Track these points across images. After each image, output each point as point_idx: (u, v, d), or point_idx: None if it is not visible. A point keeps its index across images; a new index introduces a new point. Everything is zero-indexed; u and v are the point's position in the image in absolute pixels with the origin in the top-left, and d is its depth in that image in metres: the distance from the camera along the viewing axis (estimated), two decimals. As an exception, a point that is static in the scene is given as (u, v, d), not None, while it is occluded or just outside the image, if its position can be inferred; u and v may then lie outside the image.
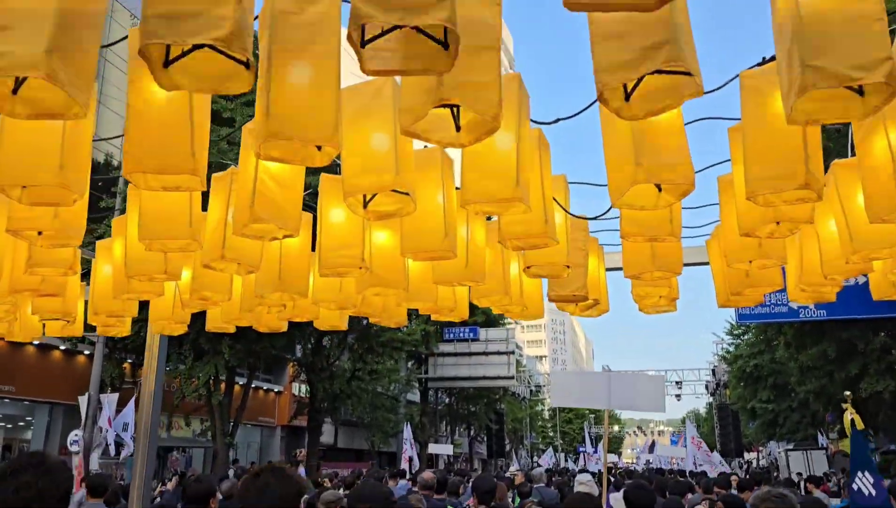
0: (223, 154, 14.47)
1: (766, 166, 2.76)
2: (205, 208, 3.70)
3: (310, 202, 4.13)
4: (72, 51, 1.90)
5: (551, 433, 66.80)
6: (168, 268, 3.85)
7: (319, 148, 2.48)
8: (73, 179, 2.56)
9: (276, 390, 32.78)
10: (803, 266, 4.19)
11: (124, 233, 3.99)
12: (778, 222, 3.30)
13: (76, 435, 16.89)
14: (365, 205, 2.99)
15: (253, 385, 25.59)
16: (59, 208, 2.92)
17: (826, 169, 3.55)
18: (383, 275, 3.95)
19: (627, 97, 2.32)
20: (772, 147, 2.75)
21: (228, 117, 16.93)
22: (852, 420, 6.19)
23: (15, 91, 2.07)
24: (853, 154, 3.63)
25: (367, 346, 25.29)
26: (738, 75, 2.99)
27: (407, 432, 23.90)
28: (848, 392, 7.20)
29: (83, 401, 17.17)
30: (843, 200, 3.56)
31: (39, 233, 3.18)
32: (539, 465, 36.44)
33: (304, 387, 30.26)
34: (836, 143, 10.00)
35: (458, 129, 2.44)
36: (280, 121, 2.23)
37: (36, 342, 19.91)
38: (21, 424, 24.10)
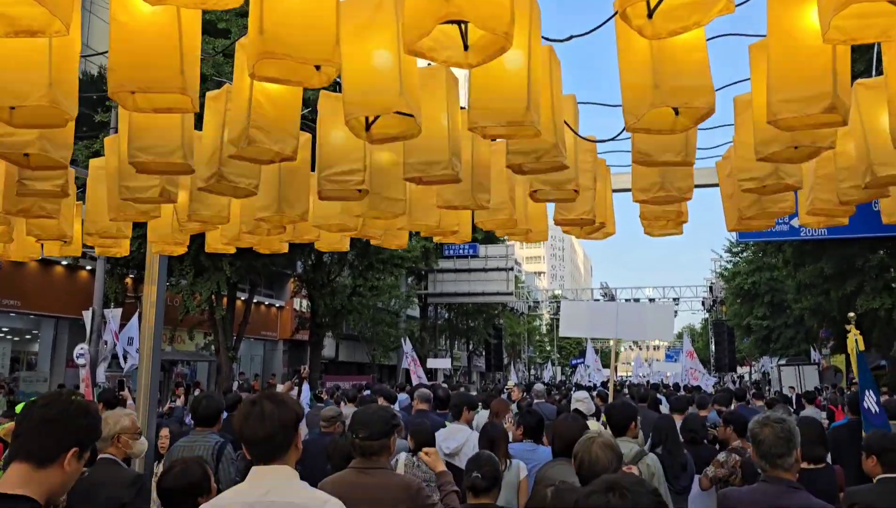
0: (219, 68, 14.03)
1: (792, 88, 2.60)
2: (199, 126, 3.55)
3: (310, 119, 3.96)
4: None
5: (548, 348, 68.10)
6: (163, 190, 3.72)
7: (318, 67, 2.32)
8: (63, 98, 2.42)
9: (277, 305, 33.16)
10: (816, 190, 4.07)
11: (118, 153, 3.83)
12: (796, 147, 3.16)
13: (82, 349, 17.16)
14: (367, 127, 2.84)
15: (255, 301, 25.86)
16: (46, 132, 2.77)
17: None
18: (384, 198, 3.84)
19: (651, 14, 2.14)
20: (799, 67, 2.58)
21: (223, 28, 16.35)
22: (856, 341, 6.24)
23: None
24: (878, 73, 3.46)
25: (368, 263, 25.38)
26: (765, -12, 2.79)
27: (406, 346, 24.25)
28: (852, 314, 7.22)
29: (87, 316, 17.36)
30: (865, 121, 3.41)
31: (26, 155, 3.05)
32: (539, 380, 37.34)
33: (305, 302, 30.58)
34: (859, 61, 9.64)
35: (466, 47, 2.27)
36: (274, 38, 2.07)
37: (37, 258, 20.02)
38: (28, 337, 24.48)
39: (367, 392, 11.88)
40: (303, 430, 3.03)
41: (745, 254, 38.81)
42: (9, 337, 23.87)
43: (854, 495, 4.13)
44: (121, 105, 2.48)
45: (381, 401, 9.37)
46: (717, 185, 4.83)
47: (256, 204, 4.00)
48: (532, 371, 65.60)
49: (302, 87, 2.54)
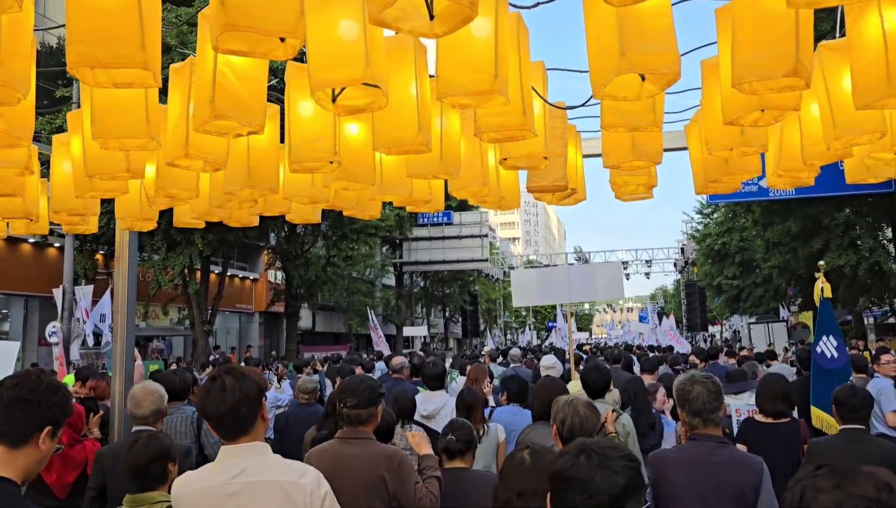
0: (182, 38, 13.68)
1: (755, 52, 2.63)
2: (164, 100, 3.49)
3: (278, 89, 3.91)
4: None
5: (524, 313, 68.68)
6: (130, 166, 3.67)
7: (283, 40, 2.29)
8: (15, 76, 2.36)
9: (251, 277, 32.97)
10: (783, 152, 4.13)
11: (81, 129, 3.76)
12: (763, 110, 3.20)
13: (54, 327, 16.96)
14: (334, 99, 2.81)
15: (228, 274, 25.68)
16: (5, 112, 2.71)
17: (813, 52, 3.41)
18: (354, 169, 3.82)
19: (615, -20, 2.14)
20: (762, 31, 2.60)
21: (185, -4, 15.96)
22: (822, 289, 6.37)
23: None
24: (841, 35, 3.49)
25: (342, 233, 25.30)
26: (729, -48, 2.80)
27: (372, 318, 24.37)
28: (822, 262, 7.38)
29: (58, 293, 17.13)
30: (829, 84, 3.46)
31: (-14, 134, 2.98)
32: (515, 345, 37.68)
33: (279, 274, 30.44)
34: (826, 21, 9.66)
35: (431, 17, 2.26)
36: (237, 10, 2.03)
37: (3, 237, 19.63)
38: (-2, 316, 24.09)
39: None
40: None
41: (715, 215, 39.33)
42: (-22, 316, 23.48)
43: (816, 446, 4.27)
44: (81, 81, 2.43)
45: (358, 371, 9.43)
46: (685, 148, 4.88)
47: (225, 178, 3.96)
48: (508, 336, 66.20)
49: (267, 59, 2.50)
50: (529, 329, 58.65)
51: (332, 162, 3.63)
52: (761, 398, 4.91)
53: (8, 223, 5.45)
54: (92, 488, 4.25)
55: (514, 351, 14.47)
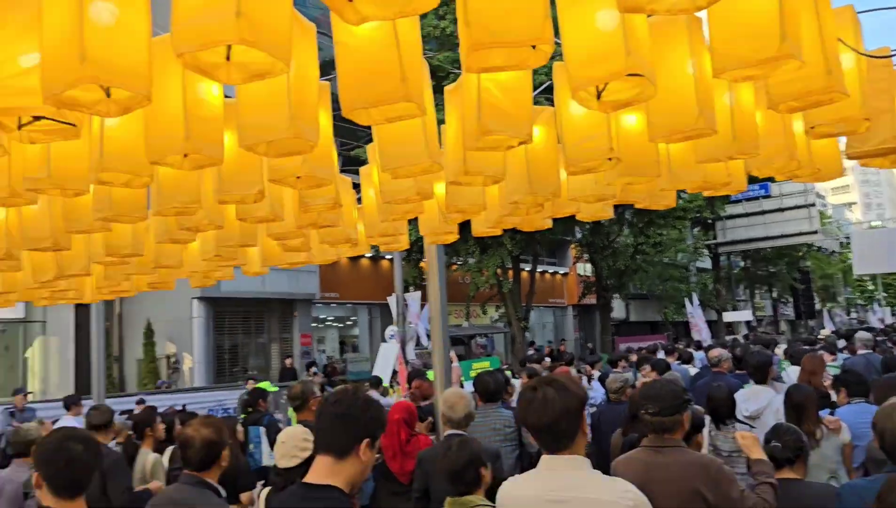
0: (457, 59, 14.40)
1: None
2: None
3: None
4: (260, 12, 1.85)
5: (870, 286, 59.66)
6: (419, 189, 3.90)
7: (534, 47, 2.19)
8: (304, 127, 2.61)
9: (561, 272, 33.64)
10: None
11: (375, 160, 4.10)
12: None
13: (392, 330, 19.12)
14: (598, 96, 2.64)
15: (538, 270, 26.49)
16: (307, 155, 3.04)
17: None
18: (636, 162, 3.57)
19: None
20: None
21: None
22: None
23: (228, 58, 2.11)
24: None
25: (647, 219, 24.45)
26: None
27: (690, 305, 23.06)
28: None
29: (392, 300, 19.26)
30: None
31: (298, 177, 3.39)
32: (864, 325, 32.95)
33: (588, 267, 30.56)
34: None
35: (691, -12, 1.97)
36: (481, 28, 1.99)
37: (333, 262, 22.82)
38: (349, 323, 27.94)
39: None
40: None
41: None
42: (335, 325, 27.46)
43: None
44: (357, 122, 2.61)
45: (672, 359, 8.98)
46: None
47: (507, 189, 4.00)
48: (853, 315, 58.16)
49: (521, 69, 2.43)
50: (879, 306, 50.56)
51: (609, 159, 3.45)
52: None
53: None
54: (416, 489, 4.60)
55: (862, 334, 12.46)
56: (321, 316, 25.85)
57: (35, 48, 2.44)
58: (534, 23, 1.99)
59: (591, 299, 30.01)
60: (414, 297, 18.67)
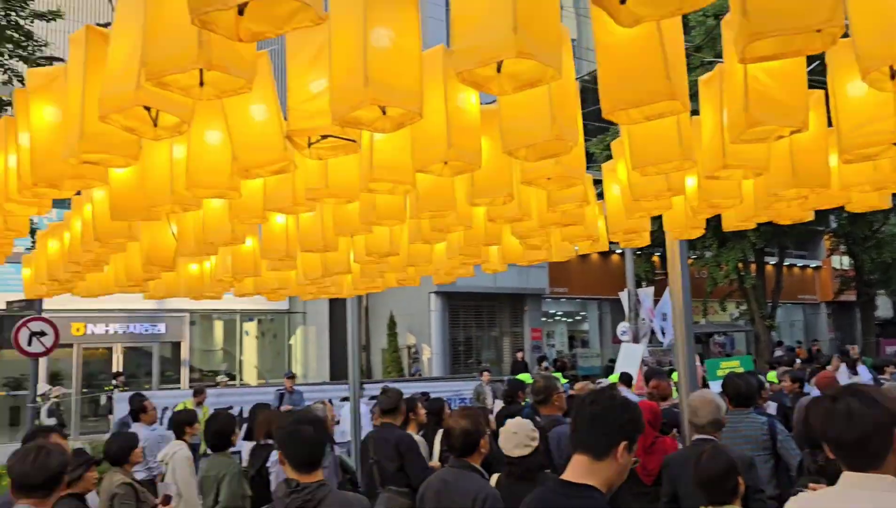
0: (714, 44, 13.54)
1: None
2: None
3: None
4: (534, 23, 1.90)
5: None
6: (670, 185, 3.77)
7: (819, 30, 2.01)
8: (566, 129, 2.66)
9: (812, 265, 30.55)
10: None
11: (624, 156, 4.04)
12: None
13: (624, 327, 18.72)
14: (893, 75, 2.35)
15: (786, 263, 24.32)
16: (561, 158, 3.09)
17: None
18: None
19: None
20: None
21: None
22: None
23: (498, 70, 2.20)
24: None
25: (920, 205, 21.32)
26: None
27: None
28: None
29: (623, 296, 18.84)
30: None
31: (548, 179, 3.45)
32: None
33: (845, 259, 27.45)
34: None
35: None
36: (762, 16, 1.86)
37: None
38: (578, 318, 27.81)
39: None
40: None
41: None
42: (564, 320, 27.49)
43: None
44: (616, 122, 2.59)
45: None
46: None
47: (769, 181, 3.72)
48: None
49: (802, 56, 2.24)
50: None
51: (895, 144, 3.07)
52: None
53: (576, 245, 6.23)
54: (665, 493, 4.47)
55: None
56: (550, 310, 26.02)
57: (321, 75, 2.75)
58: (823, 4, 1.82)
59: (849, 296, 26.93)
60: (647, 292, 18.10)
